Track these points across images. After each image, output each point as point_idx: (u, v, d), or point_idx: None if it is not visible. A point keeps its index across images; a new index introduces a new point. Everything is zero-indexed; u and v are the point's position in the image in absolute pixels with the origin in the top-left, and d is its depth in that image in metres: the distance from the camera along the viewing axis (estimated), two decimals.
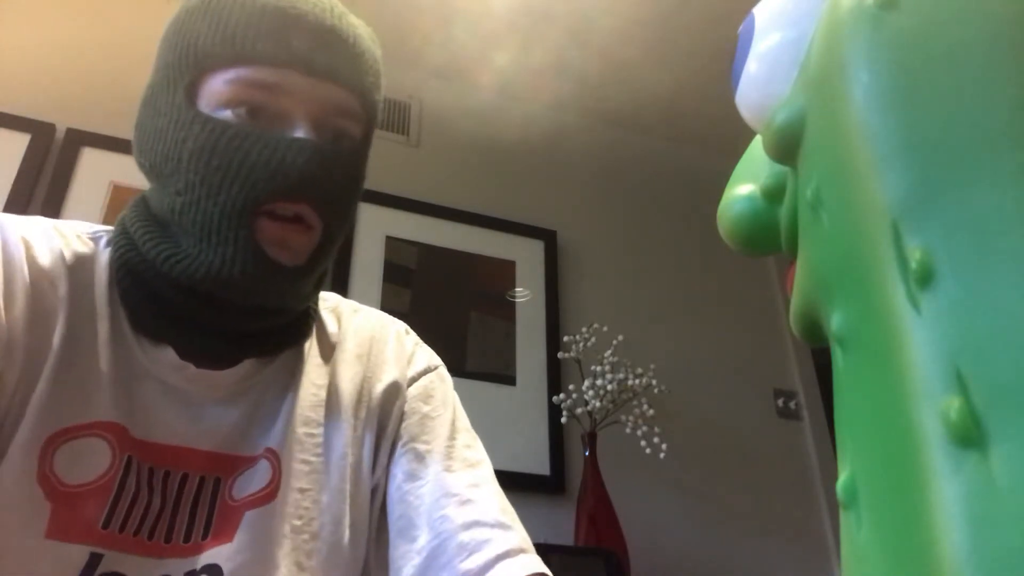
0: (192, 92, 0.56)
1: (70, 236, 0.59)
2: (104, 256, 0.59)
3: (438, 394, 0.69)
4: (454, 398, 0.71)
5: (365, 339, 0.69)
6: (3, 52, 1.72)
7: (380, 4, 1.95)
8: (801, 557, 1.84)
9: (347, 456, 0.62)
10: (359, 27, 0.61)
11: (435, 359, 0.73)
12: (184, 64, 0.56)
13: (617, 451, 1.67)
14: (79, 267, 0.57)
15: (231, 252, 0.53)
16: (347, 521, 0.60)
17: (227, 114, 0.55)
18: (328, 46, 0.57)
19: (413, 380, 0.69)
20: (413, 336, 0.74)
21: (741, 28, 0.41)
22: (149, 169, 0.59)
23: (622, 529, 1.54)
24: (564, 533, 1.58)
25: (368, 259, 1.82)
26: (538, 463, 1.71)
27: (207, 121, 0.55)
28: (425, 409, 0.67)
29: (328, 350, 0.67)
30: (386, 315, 0.75)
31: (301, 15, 0.56)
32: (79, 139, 1.67)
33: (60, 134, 1.67)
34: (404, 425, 0.66)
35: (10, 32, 1.75)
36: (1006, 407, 0.22)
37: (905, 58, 0.28)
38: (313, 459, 0.61)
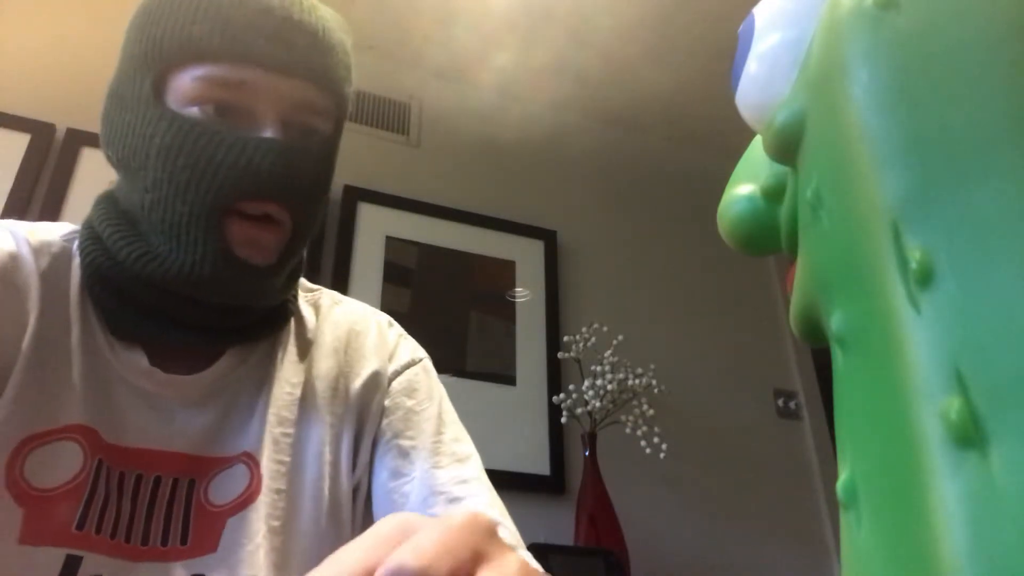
0: (159, 87, 0.55)
1: (43, 242, 0.58)
2: (78, 260, 0.58)
3: (423, 388, 0.67)
4: (440, 391, 0.69)
5: (343, 332, 0.67)
6: (3, 52, 1.72)
7: (380, 4, 1.95)
8: (801, 557, 1.84)
9: (324, 454, 0.61)
10: (328, 19, 0.59)
11: (419, 351, 0.71)
12: (150, 59, 0.55)
13: (617, 451, 1.67)
14: (51, 274, 0.57)
15: (200, 253, 0.53)
16: (325, 520, 0.59)
17: (195, 111, 0.54)
18: (296, 42, 0.56)
19: (396, 374, 0.67)
20: (397, 328, 0.72)
21: (741, 28, 0.41)
22: (117, 162, 0.58)
23: (622, 529, 1.54)
24: (564, 533, 1.58)
25: (368, 259, 1.82)
26: (538, 463, 1.71)
27: (174, 119, 0.54)
28: (409, 404, 0.65)
29: (305, 346, 0.65)
30: (369, 307, 0.72)
31: (267, 10, 0.55)
32: (79, 139, 1.67)
33: (60, 134, 1.67)
34: (388, 421, 0.64)
35: (10, 32, 1.75)
36: (1006, 407, 0.22)
37: (905, 58, 0.28)
38: (287, 459, 0.59)
